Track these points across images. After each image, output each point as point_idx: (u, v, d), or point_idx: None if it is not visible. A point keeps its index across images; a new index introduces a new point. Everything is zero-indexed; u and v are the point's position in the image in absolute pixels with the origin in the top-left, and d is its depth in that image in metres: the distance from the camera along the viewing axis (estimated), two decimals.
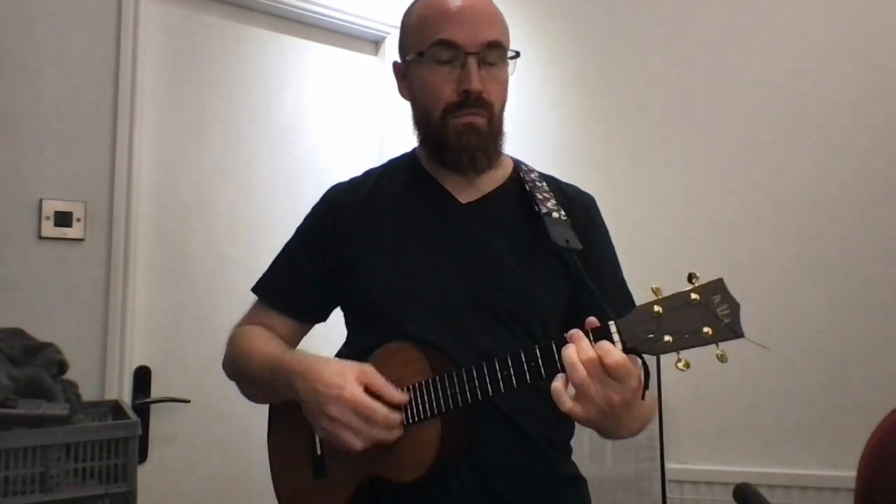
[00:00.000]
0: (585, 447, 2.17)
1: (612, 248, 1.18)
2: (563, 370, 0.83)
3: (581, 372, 0.81)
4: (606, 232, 1.18)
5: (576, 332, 0.84)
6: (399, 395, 0.95)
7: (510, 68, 1.10)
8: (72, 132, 1.83)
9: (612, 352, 0.81)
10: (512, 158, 1.20)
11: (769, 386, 2.14)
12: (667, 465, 2.13)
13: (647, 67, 2.38)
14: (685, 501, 2.18)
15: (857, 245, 2.11)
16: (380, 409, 0.93)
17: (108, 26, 1.89)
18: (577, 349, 0.82)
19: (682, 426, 2.22)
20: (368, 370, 0.97)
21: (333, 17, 2.31)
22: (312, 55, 2.33)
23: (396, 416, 0.95)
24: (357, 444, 0.94)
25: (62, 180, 1.81)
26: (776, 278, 2.16)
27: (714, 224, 2.23)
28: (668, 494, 2.13)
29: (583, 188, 1.22)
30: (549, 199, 1.11)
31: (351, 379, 0.94)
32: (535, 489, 1.04)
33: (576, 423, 1.10)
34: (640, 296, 1.10)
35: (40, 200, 1.77)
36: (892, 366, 2.03)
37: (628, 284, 1.16)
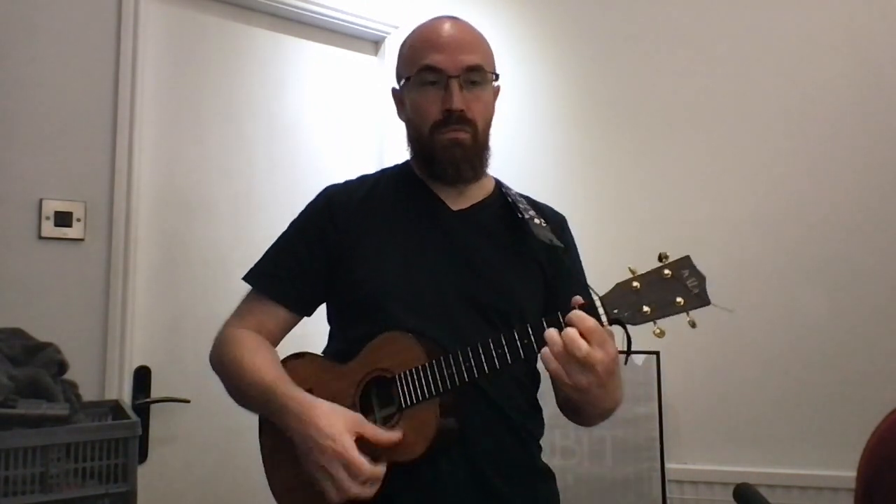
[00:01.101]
0: (585, 447, 2.17)
1: (581, 265, 1.28)
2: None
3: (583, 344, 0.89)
4: (576, 248, 1.29)
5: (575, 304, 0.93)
6: (392, 435, 1.01)
7: (492, 89, 1.20)
8: (72, 132, 1.83)
9: (585, 318, 0.90)
10: (493, 178, 1.29)
11: (769, 386, 2.14)
12: (667, 465, 2.13)
13: (649, 68, 2.38)
14: (685, 501, 2.18)
15: (857, 245, 2.11)
16: (367, 468, 0.98)
17: (108, 26, 1.89)
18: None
19: (682, 426, 2.22)
20: (358, 418, 1.02)
21: (333, 17, 2.31)
22: (312, 55, 2.33)
23: (380, 471, 1.00)
24: (337, 498, 0.99)
25: (62, 180, 1.81)
26: (776, 278, 2.16)
27: (714, 224, 2.23)
28: (668, 494, 2.13)
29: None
30: (529, 210, 1.21)
31: (342, 430, 0.99)
32: (516, 476, 1.12)
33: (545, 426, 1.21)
34: None
35: (40, 200, 1.77)
36: (892, 366, 2.03)
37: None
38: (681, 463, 2.20)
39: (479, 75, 1.16)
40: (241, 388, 1.14)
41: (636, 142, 2.37)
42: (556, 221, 1.26)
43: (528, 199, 1.27)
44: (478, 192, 1.23)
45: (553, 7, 2.51)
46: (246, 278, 1.24)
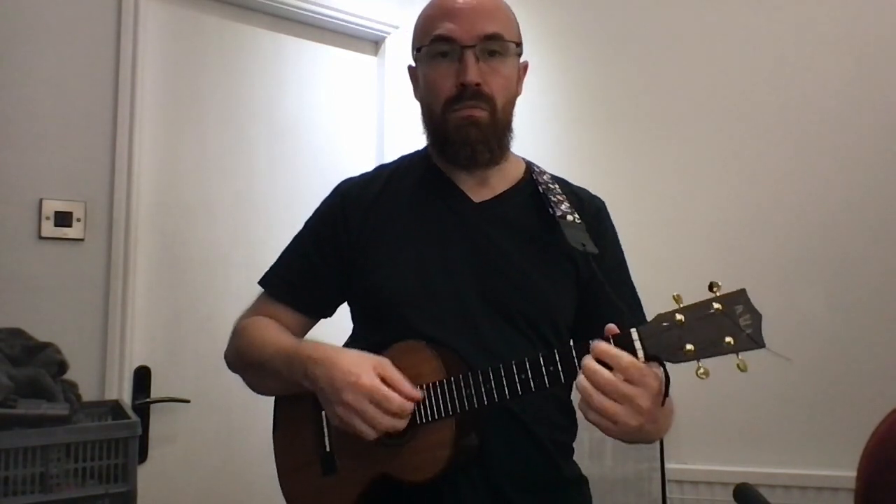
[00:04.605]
0: (585, 447, 2.17)
1: (622, 253, 1.18)
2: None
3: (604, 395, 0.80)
4: (617, 237, 1.18)
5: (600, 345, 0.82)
6: (414, 392, 0.95)
7: (515, 62, 1.09)
8: (72, 132, 1.83)
9: (619, 357, 0.80)
10: (524, 160, 1.20)
11: (769, 386, 2.14)
12: (667, 465, 2.13)
13: (650, 71, 2.38)
14: (685, 501, 2.18)
15: (857, 245, 2.11)
16: (395, 397, 0.93)
17: (108, 26, 1.89)
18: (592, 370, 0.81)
19: (682, 426, 2.22)
20: (385, 362, 0.97)
21: (333, 17, 2.31)
22: (312, 55, 2.33)
23: (410, 406, 0.94)
24: (370, 432, 0.94)
25: (62, 180, 1.81)
26: (776, 278, 2.15)
27: (714, 224, 2.23)
28: (668, 494, 2.13)
29: (587, 187, 1.22)
30: (562, 202, 1.10)
31: (367, 368, 0.95)
32: (540, 490, 1.04)
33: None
34: (648, 298, 1.10)
35: (40, 200, 1.77)
36: (892, 366, 2.03)
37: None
38: (681, 463, 2.19)
39: (499, 45, 1.05)
40: (264, 364, 1.08)
41: (635, 144, 2.37)
42: (593, 211, 1.14)
43: (563, 183, 1.17)
44: (504, 180, 1.13)
45: (560, 14, 2.51)
46: (261, 282, 1.20)
